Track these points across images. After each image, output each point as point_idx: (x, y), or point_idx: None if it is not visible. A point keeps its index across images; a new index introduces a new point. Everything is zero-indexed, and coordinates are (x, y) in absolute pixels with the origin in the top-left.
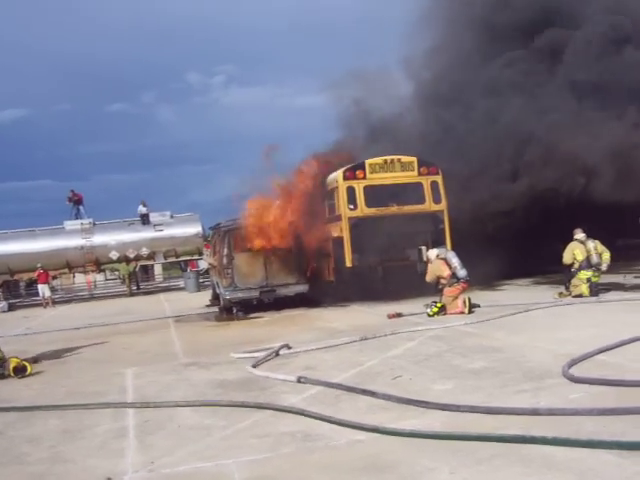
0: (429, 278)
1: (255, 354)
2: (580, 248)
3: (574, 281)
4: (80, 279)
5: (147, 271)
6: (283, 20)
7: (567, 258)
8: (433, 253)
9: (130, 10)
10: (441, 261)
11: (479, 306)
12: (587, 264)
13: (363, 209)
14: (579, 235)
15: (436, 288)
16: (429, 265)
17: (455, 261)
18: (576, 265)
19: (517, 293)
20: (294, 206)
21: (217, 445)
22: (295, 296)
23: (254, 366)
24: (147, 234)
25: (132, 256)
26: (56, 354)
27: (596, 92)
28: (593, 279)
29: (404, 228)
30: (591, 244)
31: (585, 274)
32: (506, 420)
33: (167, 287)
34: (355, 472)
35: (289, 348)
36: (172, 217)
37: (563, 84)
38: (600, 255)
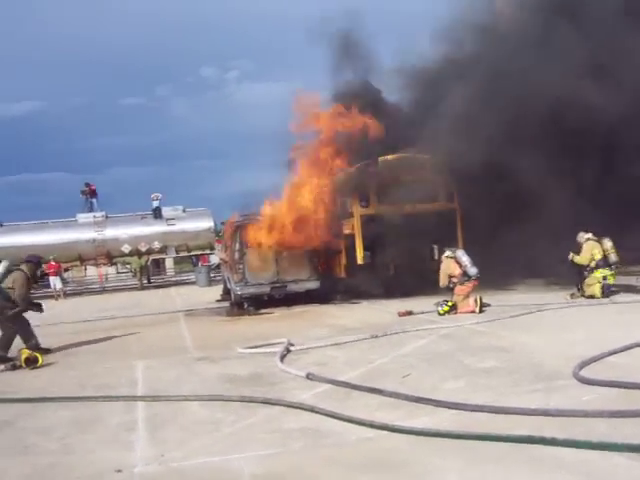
0: (442, 283)
1: (260, 349)
2: (598, 247)
3: (588, 281)
4: (92, 272)
5: (158, 265)
6: (299, 16)
7: (585, 259)
8: (445, 257)
9: (145, 4)
10: (451, 260)
11: (489, 305)
12: (604, 263)
13: (375, 206)
14: (589, 234)
15: (448, 287)
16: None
17: (465, 259)
18: (592, 264)
19: (529, 293)
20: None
21: (226, 440)
22: (306, 292)
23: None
24: (159, 228)
25: (144, 250)
26: (67, 346)
27: None
28: (610, 278)
29: (416, 226)
30: (608, 243)
31: (602, 272)
32: (516, 420)
33: (178, 281)
34: (364, 469)
35: (292, 345)
36: (184, 211)
37: None
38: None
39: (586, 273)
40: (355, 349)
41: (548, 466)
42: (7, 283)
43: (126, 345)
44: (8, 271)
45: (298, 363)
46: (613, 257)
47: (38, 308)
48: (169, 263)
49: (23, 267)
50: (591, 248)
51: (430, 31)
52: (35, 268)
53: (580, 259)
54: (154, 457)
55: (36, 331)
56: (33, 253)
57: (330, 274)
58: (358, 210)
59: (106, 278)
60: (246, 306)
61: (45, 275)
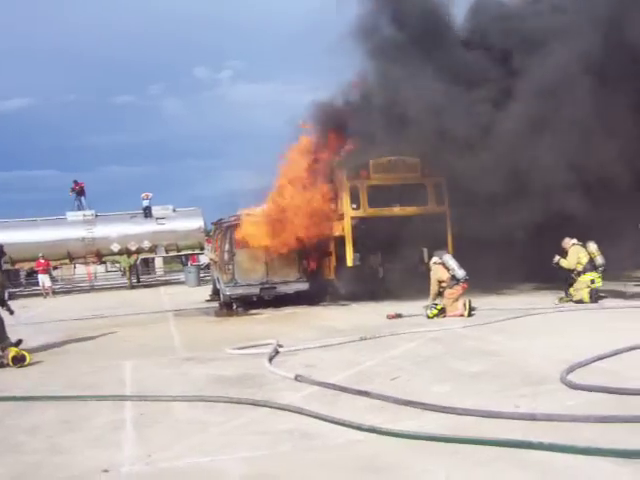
0: (432, 291)
1: (249, 350)
2: (583, 251)
3: (576, 285)
4: (81, 270)
5: (148, 264)
6: (293, 16)
7: (572, 263)
8: (433, 264)
9: (138, 2)
10: (439, 265)
11: (478, 309)
12: (591, 266)
13: (366, 209)
14: (574, 240)
15: (435, 295)
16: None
17: (452, 263)
18: (580, 268)
19: (517, 297)
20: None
21: (214, 441)
22: (295, 294)
23: (270, 360)
24: (149, 227)
25: (133, 249)
26: (55, 345)
27: None
28: (597, 281)
29: (406, 229)
30: (593, 246)
31: (589, 276)
32: (504, 424)
33: (167, 281)
34: (352, 472)
35: (280, 346)
36: (174, 211)
37: None
38: (603, 256)
39: (574, 277)
40: (344, 351)
41: (535, 470)
42: None
43: (114, 344)
44: None
45: (286, 364)
46: (599, 259)
47: (8, 307)
48: (158, 262)
49: None
50: (577, 252)
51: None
52: (0, 256)
53: (567, 263)
54: (141, 457)
55: (24, 329)
56: None
57: (320, 276)
58: (348, 212)
59: (95, 277)
60: (235, 307)
61: (34, 272)
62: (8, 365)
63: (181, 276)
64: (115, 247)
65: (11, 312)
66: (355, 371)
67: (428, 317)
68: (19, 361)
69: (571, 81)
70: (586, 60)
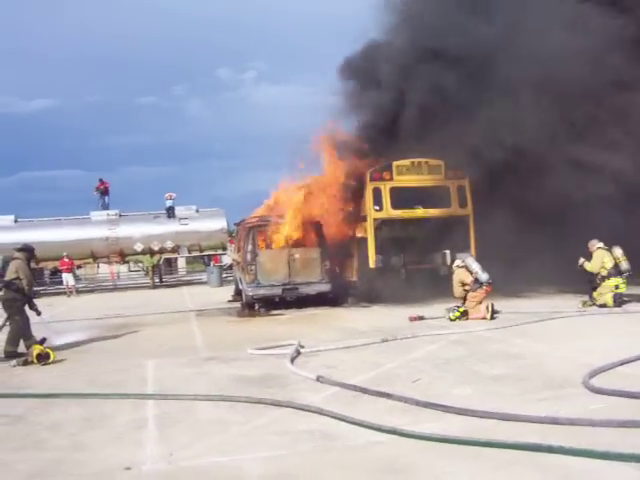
0: (456, 294)
1: (270, 351)
2: (608, 256)
3: (600, 289)
4: (104, 269)
5: (170, 264)
6: (316, 18)
7: (596, 267)
8: (456, 267)
9: (163, 3)
10: (462, 269)
11: (500, 312)
12: (616, 271)
13: (389, 210)
14: (600, 243)
15: (463, 296)
16: (453, 277)
17: (475, 266)
18: (604, 273)
19: (541, 301)
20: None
21: (235, 440)
22: (317, 295)
23: (292, 361)
24: (172, 227)
25: (156, 249)
26: (78, 343)
27: None
28: (621, 287)
29: (429, 231)
30: (618, 251)
31: (614, 281)
32: (525, 427)
33: (190, 281)
34: (372, 473)
35: (302, 347)
36: (197, 211)
37: None
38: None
39: (598, 281)
40: (365, 353)
41: (555, 474)
42: (10, 275)
43: (136, 343)
44: (5, 263)
45: (308, 365)
46: (624, 265)
47: (36, 308)
48: (181, 262)
49: (21, 256)
50: (602, 256)
51: None
52: (30, 257)
53: (590, 266)
54: (163, 455)
55: (47, 327)
56: (25, 243)
57: (342, 277)
58: (371, 214)
59: (118, 276)
60: (257, 307)
61: (58, 271)
62: (32, 362)
63: (203, 276)
64: (138, 247)
65: (38, 313)
66: (376, 373)
67: (450, 320)
68: (43, 359)
69: None
70: None
